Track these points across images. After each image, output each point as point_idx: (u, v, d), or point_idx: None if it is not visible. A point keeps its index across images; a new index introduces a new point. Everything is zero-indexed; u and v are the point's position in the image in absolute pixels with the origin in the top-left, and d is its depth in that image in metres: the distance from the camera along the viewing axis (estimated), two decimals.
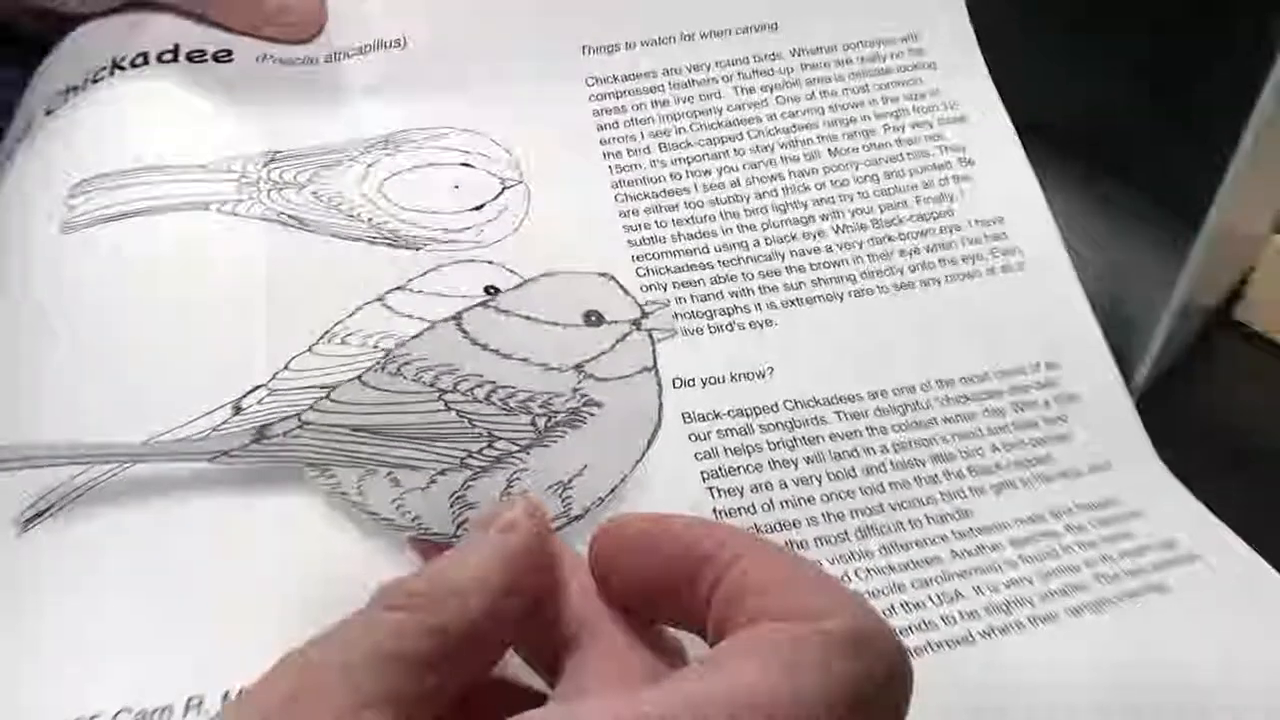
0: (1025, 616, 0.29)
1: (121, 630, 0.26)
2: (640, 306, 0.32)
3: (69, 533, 0.27)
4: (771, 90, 0.37)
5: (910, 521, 0.30)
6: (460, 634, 0.21)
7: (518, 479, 0.29)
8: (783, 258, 0.34)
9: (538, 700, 0.24)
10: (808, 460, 0.31)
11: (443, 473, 0.28)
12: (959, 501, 0.31)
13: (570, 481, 0.29)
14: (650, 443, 0.30)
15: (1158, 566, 0.30)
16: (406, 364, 0.30)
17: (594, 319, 0.31)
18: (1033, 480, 0.32)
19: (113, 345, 0.30)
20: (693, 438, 0.30)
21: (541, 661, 0.24)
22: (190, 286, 0.31)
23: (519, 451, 0.29)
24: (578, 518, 0.29)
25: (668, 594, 0.22)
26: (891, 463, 0.31)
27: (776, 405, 0.31)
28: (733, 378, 0.32)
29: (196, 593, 0.26)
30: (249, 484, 0.28)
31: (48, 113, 0.36)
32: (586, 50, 0.37)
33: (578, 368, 0.30)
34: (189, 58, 0.36)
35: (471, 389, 0.30)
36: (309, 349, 0.30)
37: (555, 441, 0.29)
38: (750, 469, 0.30)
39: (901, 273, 0.34)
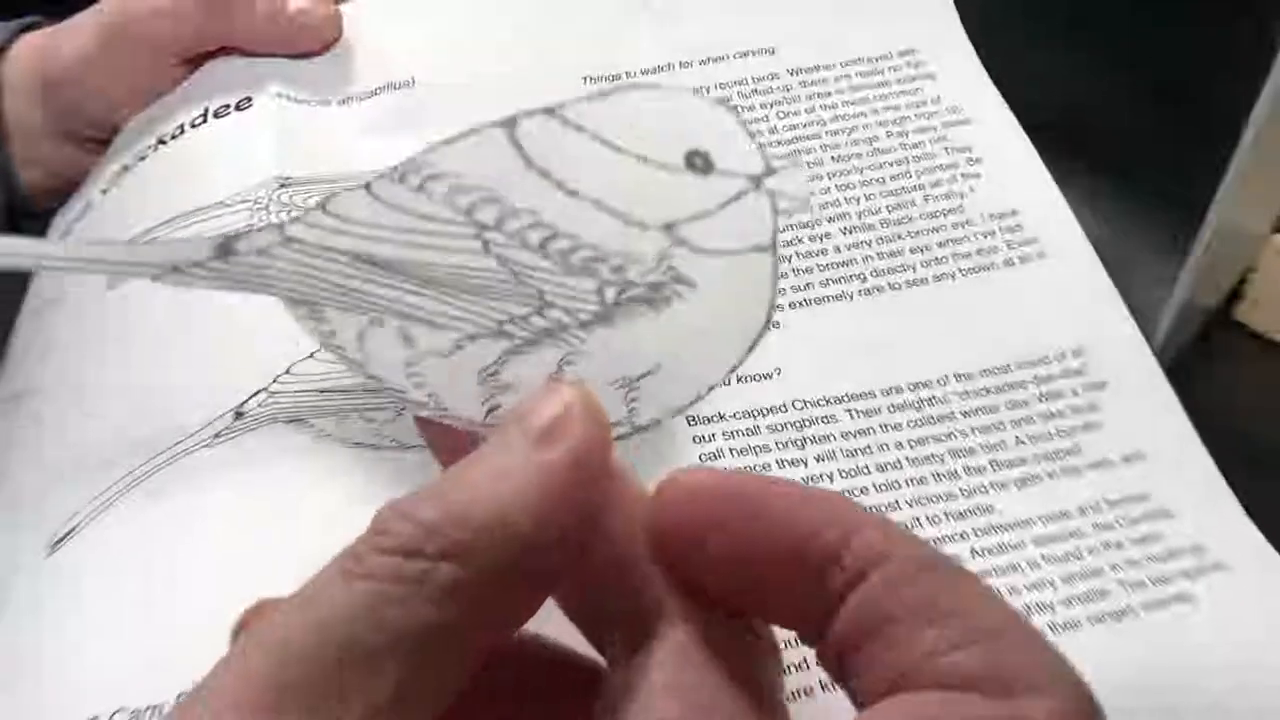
0: (1046, 623, 0.27)
1: (121, 636, 0.26)
2: (765, 159, 0.22)
3: (82, 552, 0.28)
4: (771, 106, 0.37)
5: (928, 518, 0.29)
6: (476, 594, 0.17)
7: (569, 363, 0.22)
8: (789, 260, 0.34)
9: (574, 675, 0.20)
10: (818, 459, 0.30)
11: (473, 338, 0.22)
12: (980, 498, 0.29)
13: (638, 380, 0.22)
14: (751, 349, 0.22)
15: (1185, 574, 0.28)
16: (434, 177, 0.22)
17: (699, 163, 0.22)
18: (1060, 473, 0.30)
19: (137, 366, 0.32)
20: (697, 440, 0.30)
21: (581, 619, 0.19)
22: (202, 305, 0.31)
23: (577, 327, 0.22)
24: (642, 429, 0.22)
25: (768, 588, 0.18)
26: (907, 459, 0.30)
27: (785, 405, 0.31)
28: (739, 379, 0.31)
29: (193, 599, 0.26)
30: (245, 494, 0.28)
31: (103, 192, 0.38)
32: (587, 80, 0.38)
33: (668, 228, 0.22)
34: (215, 115, 0.38)
35: (521, 230, 0.22)
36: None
37: (626, 322, 0.22)
38: (758, 469, 0.29)
39: (914, 269, 0.34)
